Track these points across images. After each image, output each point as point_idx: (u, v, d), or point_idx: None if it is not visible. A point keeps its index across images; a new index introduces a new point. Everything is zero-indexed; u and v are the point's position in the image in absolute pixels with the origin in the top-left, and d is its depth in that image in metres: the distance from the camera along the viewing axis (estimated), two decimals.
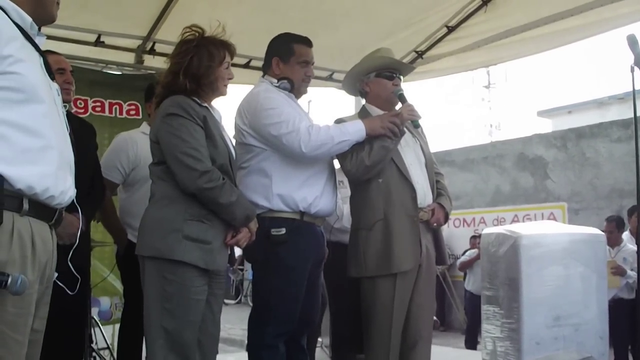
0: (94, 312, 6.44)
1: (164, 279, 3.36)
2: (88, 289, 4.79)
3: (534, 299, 5.27)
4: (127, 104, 6.92)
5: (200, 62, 3.54)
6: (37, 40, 2.63)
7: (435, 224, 4.37)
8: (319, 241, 4.25)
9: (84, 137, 4.39)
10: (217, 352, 3.74)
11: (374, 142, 4.08)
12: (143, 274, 3.49)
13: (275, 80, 4.23)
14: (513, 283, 5.32)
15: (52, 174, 2.51)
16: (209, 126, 3.50)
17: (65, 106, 3.12)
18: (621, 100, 22.11)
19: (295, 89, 4.25)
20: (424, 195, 4.31)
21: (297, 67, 4.23)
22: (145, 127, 5.07)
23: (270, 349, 4.00)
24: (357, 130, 4.05)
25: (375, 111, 4.40)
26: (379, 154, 4.09)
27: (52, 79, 2.70)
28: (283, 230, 3.97)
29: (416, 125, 4.29)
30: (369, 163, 4.10)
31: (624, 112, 16.26)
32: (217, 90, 3.66)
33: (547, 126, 26.66)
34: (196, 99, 3.54)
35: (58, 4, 2.74)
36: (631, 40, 4.24)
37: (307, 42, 4.33)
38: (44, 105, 2.49)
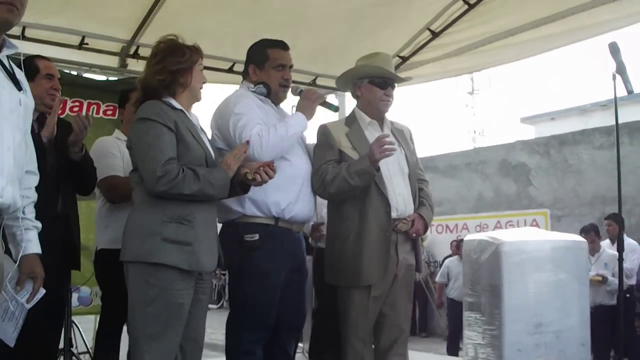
0: (74, 297, 6.42)
1: (146, 283, 3.38)
2: (67, 288, 4.73)
3: (516, 306, 5.27)
4: (105, 104, 6.90)
5: (176, 63, 3.58)
6: (4, 51, 2.63)
7: (414, 235, 4.39)
8: (297, 247, 4.24)
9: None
10: (200, 358, 3.72)
11: (347, 171, 4.13)
12: (127, 279, 3.51)
13: (252, 85, 4.26)
14: (495, 290, 5.32)
15: None
16: (180, 129, 3.50)
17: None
18: (604, 107, 22.22)
19: (273, 94, 4.28)
20: (405, 206, 4.37)
21: (272, 71, 4.26)
22: (118, 134, 5.04)
23: (248, 355, 4.02)
24: (298, 122, 4.11)
25: (363, 117, 4.46)
26: (342, 187, 4.16)
27: (19, 89, 2.71)
28: (256, 236, 3.99)
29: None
30: (332, 191, 4.21)
31: (607, 119, 16.31)
32: (194, 91, 3.69)
33: (530, 133, 26.80)
34: (171, 101, 3.59)
35: (11, 6, 2.70)
36: (613, 48, 4.27)
37: (282, 45, 4.34)
38: None
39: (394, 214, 4.29)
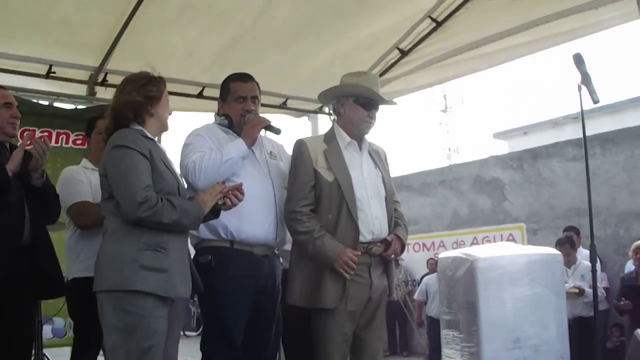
0: (47, 329, 6.40)
1: (124, 311, 3.37)
2: (36, 320, 4.64)
3: (493, 322, 5.29)
4: (74, 134, 6.88)
5: (148, 90, 3.64)
6: None
7: (392, 256, 4.36)
8: (259, 269, 4.22)
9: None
10: None
11: (314, 242, 4.11)
12: (101, 309, 3.47)
13: (218, 118, 4.44)
14: (471, 306, 5.33)
15: None
16: (154, 158, 3.54)
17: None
18: (576, 119, 22.27)
19: (236, 125, 4.38)
20: (380, 229, 4.30)
21: (234, 104, 4.39)
22: (85, 162, 5.01)
23: None
24: (235, 147, 4.16)
25: (343, 136, 4.40)
26: (303, 245, 4.18)
27: None
28: (208, 257, 4.09)
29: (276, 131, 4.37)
30: (296, 239, 4.25)
31: (579, 131, 16.36)
32: (162, 120, 3.76)
33: (503, 148, 26.87)
34: (143, 130, 3.62)
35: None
36: (577, 59, 4.25)
37: (242, 78, 4.46)
38: None
39: (369, 237, 4.24)
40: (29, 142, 4.22)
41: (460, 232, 14.12)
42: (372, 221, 4.25)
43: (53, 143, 6.79)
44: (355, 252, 4.08)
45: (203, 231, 4.11)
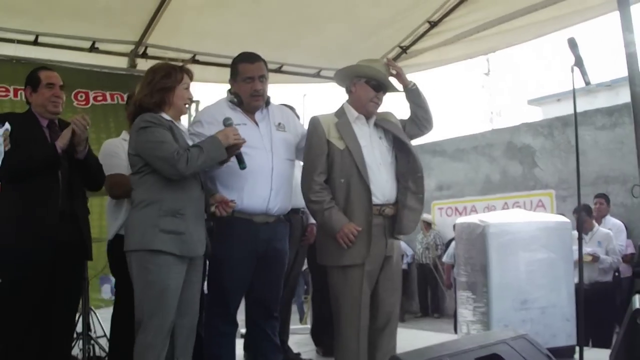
0: (106, 289, 6.92)
1: (145, 268, 3.89)
2: (80, 280, 5.04)
3: (502, 284, 5.64)
4: (126, 95, 7.06)
5: (161, 83, 4.05)
6: None
7: None
8: (256, 235, 4.50)
9: None
10: (194, 336, 4.16)
11: (322, 212, 4.48)
12: (130, 267, 3.99)
13: (230, 96, 4.66)
14: (483, 269, 5.68)
15: None
16: (175, 134, 4.01)
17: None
18: (609, 87, 22.21)
19: (245, 104, 4.59)
20: (390, 192, 4.60)
21: (242, 84, 4.58)
22: (125, 135, 5.24)
23: (208, 328, 4.54)
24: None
25: (352, 111, 4.69)
26: (313, 213, 4.65)
27: None
28: (210, 224, 4.41)
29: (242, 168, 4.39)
30: (309, 207, 4.64)
31: (612, 99, 16.43)
32: (178, 107, 4.16)
33: (537, 114, 26.70)
34: (162, 115, 4.05)
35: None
36: (571, 43, 4.54)
37: (250, 59, 4.63)
38: None
39: (382, 199, 4.55)
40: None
41: (491, 197, 14.27)
42: (383, 184, 4.56)
43: (109, 101, 7.12)
44: (356, 227, 4.40)
45: None
